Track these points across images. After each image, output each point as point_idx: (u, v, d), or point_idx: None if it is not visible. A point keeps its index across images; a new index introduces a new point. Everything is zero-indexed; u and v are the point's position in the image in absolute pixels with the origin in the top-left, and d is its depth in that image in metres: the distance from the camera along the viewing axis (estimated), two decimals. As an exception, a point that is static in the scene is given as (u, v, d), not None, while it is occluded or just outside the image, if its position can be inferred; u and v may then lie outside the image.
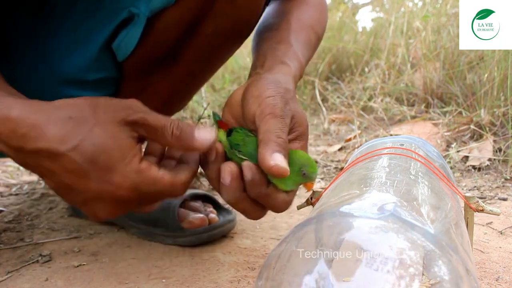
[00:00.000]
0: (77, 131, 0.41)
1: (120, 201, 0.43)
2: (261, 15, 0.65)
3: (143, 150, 0.48)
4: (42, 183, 1.10)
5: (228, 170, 0.44)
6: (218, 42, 0.64)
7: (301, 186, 0.48)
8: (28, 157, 0.42)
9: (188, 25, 0.60)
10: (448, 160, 1.12)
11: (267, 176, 0.45)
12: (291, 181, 0.46)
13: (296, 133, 0.49)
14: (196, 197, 0.77)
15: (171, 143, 0.44)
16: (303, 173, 0.46)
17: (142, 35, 0.58)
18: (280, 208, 0.47)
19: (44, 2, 0.57)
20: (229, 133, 0.49)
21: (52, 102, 0.43)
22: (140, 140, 0.44)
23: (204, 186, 1.02)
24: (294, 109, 0.49)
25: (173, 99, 0.72)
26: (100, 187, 0.42)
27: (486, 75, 1.22)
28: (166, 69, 0.65)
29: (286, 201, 0.47)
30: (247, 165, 0.45)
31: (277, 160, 0.42)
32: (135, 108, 0.44)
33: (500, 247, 0.68)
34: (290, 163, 0.45)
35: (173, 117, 1.72)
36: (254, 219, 0.50)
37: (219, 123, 0.52)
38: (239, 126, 0.51)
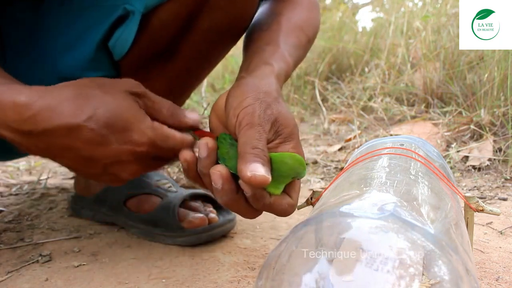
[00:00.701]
0: (89, 103, 0.43)
1: (141, 158, 0.47)
2: (256, 11, 0.65)
3: None
4: (42, 183, 1.10)
5: (217, 174, 0.44)
6: (214, 38, 0.63)
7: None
8: (39, 140, 0.44)
9: (184, 21, 0.59)
10: (448, 160, 1.12)
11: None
12: (281, 184, 0.45)
13: (284, 135, 0.48)
14: (196, 197, 0.77)
15: (166, 117, 0.49)
16: (292, 174, 0.45)
17: (138, 33, 0.57)
18: (288, 212, 0.47)
19: (39, 1, 0.57)
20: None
21: (56, 85, 0.45)
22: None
23: (204, 186, 1.01)
24: (277, 111, 0.47)
25: (170, 97, 0.72)
26: (120, 148, 0.45)
27: (486, 75, 1.22)
28: (163, 67, 0.65)
29: (292, 204, 0.47)
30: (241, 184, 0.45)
31: (253, 170, 0.42)
32: (135, 83, 0.48)
33: (500, 247, 0.68)
34: (276, 167, 0.44)
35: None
36: (250, 219, 0.50)
37: (205, 133, 0.51)
38: (223, 132, 0.50)
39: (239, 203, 0.46)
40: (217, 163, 0.47)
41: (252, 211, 0.47)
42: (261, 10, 0.67)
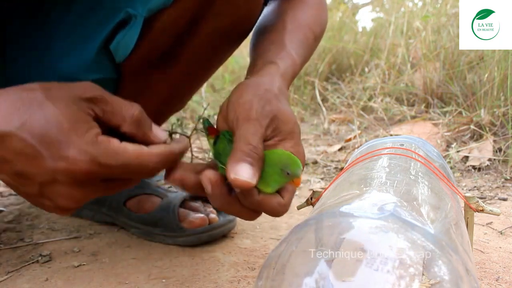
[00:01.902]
0: (25, 109, 0.38)
1: (80, 180, 0.39)
2: (260, 14, 0.65)
3: None
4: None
5: (206, 179, 0.43)
6: (216, 41, 0.63)
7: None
8: None
9: (186, 25, 0.59)
10: (448, 160, 1.12)
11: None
12: (274, 182, 0.44)
13: (284, 133, 0.47)
14: (196, 197, 0.77)
15: (130, 127, 0.42)
16: (286, 173, 0.44)
17: (140, 36, 0.57)
18: (278, 212, 0.46)
19: (41, 3, 0.57)
20: (216, 139, 0.49)
21: (6, 88, 0.39)
22: (96, 119, 0.40)
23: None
24: (277, 108, 0.47)
25: (172, 100, 0.72)
26: (54, 165, 0.38)
27: (486, 75, 1.22)
28: (165, 70, 0.65)
29: (283, 204, 0.45)
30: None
31: (237, 173, 0.41)
32: (92, 87, 0.41)
33: (500, 247, 0.68)
34: (268, 164, 0.44)
35: (173, 117, 1.71)
36: (249, 220, 0.50)
37: (209, 129, 0.51)
38: (226, 130, 0.49)
39: (233, 206, 0.45)
40: (215, 158, 0.47)
41: (249, 213, 0.46)
42: (267, 10, 0.67)
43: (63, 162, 0.38)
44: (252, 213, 0.46)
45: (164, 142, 0.43)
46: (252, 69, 0.54)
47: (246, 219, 0.48)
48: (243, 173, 0.41)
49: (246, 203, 0.44)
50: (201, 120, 0.52)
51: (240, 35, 0.65)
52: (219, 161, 0.46)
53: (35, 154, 0.37)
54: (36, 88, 0.39)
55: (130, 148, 0.40)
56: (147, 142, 0.42)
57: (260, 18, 0.65)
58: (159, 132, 0.44)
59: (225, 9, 0.59)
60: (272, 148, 0.46)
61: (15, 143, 0.37)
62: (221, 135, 0.49)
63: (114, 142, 0.39)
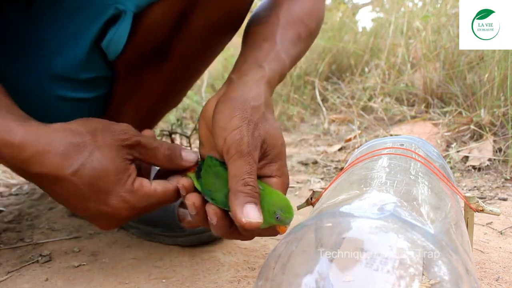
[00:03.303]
0: (78, 156, 0.45)
1: (119, 219, 0.48)
2: (250, 5, 0.64)
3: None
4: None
5: (212, 212, 0.47)
6: (208, 34, 0.63)
7: None
8: (33, 178, 0.47)
9: (177, 19, 0.59)
10: (448, 160, 1.12)
11: None
12: (265, 222, 0.45)
13: (271, 156, 0.48)
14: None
15: (163, 163, 0.50)
16: (276, 217, 0.45)
17: (131, 32, 0.57)
18: (274, 235, 0.49)
19: (31, 1, 0.57)
20: (198, 169, 0.50)
21: (51, 126, 0.46)
22: (134, 161, 0.49)
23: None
24: (265, 132, 0.47)
25: (167, 96, 0.72)
26: (99, 208, 0.46)
27: (486, 75, 1.22)
28: (158, 66, 0.65)
29: (279, 231, 0.48)
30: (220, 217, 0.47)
31: (249, 216, 0.43)
32: (130, 132, 0.48)
33: (500, 247, 0.68)
34: (264, 204, 0.44)
35: (171, 116, 1.71)
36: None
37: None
38: (209, 156, 0.50)
39: (233, 234, 0.49)
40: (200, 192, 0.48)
41: (245, 237, 0.49)
42: (262, 1, 0.66)
43: (107, 207, 0.46)
44: (248, 236, 0.50)
45: (197, 162, 0.51)
46: (240, 67, 0.54)
47: (243, 240, 0.54)
48: (253, 215, 0.43)
49: (249, 236, 0.49)
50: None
51: (231, 26, 0.65)
52: (209, 197, 0.47)
53: (84, 197, 0.45)
54: (83, 133, 0.46)
55: (159, 189, 0.49)
56: (180, 169, 0.51)
57: (256, 8, 0.65)
58: (189, 156, 0.52)
59: (214, 1, 0.59)
60: (259, 171, 0.47)
61: (69, 185, 0.45)
62: (206, 165, 0.48)
63: (146, 186, 0.48)
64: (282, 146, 0.49)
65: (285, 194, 0.48)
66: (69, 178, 0.44)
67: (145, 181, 0.48)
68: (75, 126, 0.47)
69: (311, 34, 0.64)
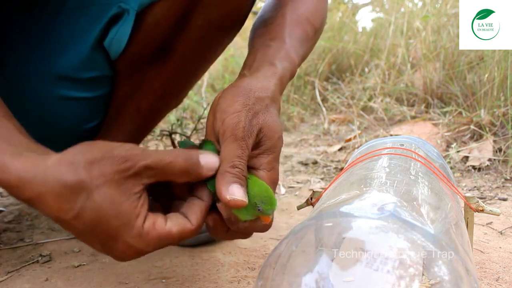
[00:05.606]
0: (76, 199, 0.39)
1: (129, 258, 0.43)
2: (252, 5, 0.64)
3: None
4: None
5: (211, 218, 0.46)
6: (209, 34, 0.63)
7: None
8: (40, 211, 0.42)
9: (178, 18, 0.59)
10: (448, 160, 1.12)
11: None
12: (248, 213, 0.44)
13: (265, 147, 0.47)
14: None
15: (181, 179, 0.43)
16: (258, 209, 0.44)
17: (133, 31, 0.57)
18: (264, 231, 0.49)
19: (34, 2, 0.57)
20: None
21: (47, 159, 0.40)
22: (144, 190, 0.42)
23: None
24: (264, 121, 0.47)
25: (168, 95, 0.72)
26: (106, 251, 0.42)
27: (486, 75, 1.22)
28: (160, 65, 0.65)
29: (267, 225, 0.47)
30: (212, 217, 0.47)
31: (233, 194, 0.42)
32: (134, 158, 0.40)
33: (500, 247, 0.68)
34: (248, 194, 0.44)
35: (172, 116, 1.69)
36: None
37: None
38: (207, 140, 0.49)
39: (231, 235, 0.49)
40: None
41: (242, 236, 0.49)
42: (266, 2, 0.66)
43: (114, 251, 0.42)
44: (244, 236, 0.49)
45: (219, 166, 0.44)
46: (250, 65, 0.54)
47: (241, 239, 0.52)
48: (238, 193, 0.42)
49: (235, 228, 0.47)
50: (180, 140, 0.51)
51: (232, 26, 0.65)
52: (207, 183, 0.46)
53: (90, 239, 0.42)
54: (79, 168, 0.39)
55: (174, 230, 0.42)
56: (202, 179, 0.44)
57: (260, 10, 0.65)
58: (209, 161, 0.44)
59: (216, 1, 0.59)
60: (250, 160, 0.47)
61: (73, 228, 0.41)
62: (203, 148, 0.48)
63: (159, 227, 0.41)
64: (279, 140, 0.48)
65: (274, 190, 0.47)
66: (71, 222, 0.40)
67: (159, 220, 0.41)
68: (71, 156, 0.40)
69: (317, 32, 0.64)
